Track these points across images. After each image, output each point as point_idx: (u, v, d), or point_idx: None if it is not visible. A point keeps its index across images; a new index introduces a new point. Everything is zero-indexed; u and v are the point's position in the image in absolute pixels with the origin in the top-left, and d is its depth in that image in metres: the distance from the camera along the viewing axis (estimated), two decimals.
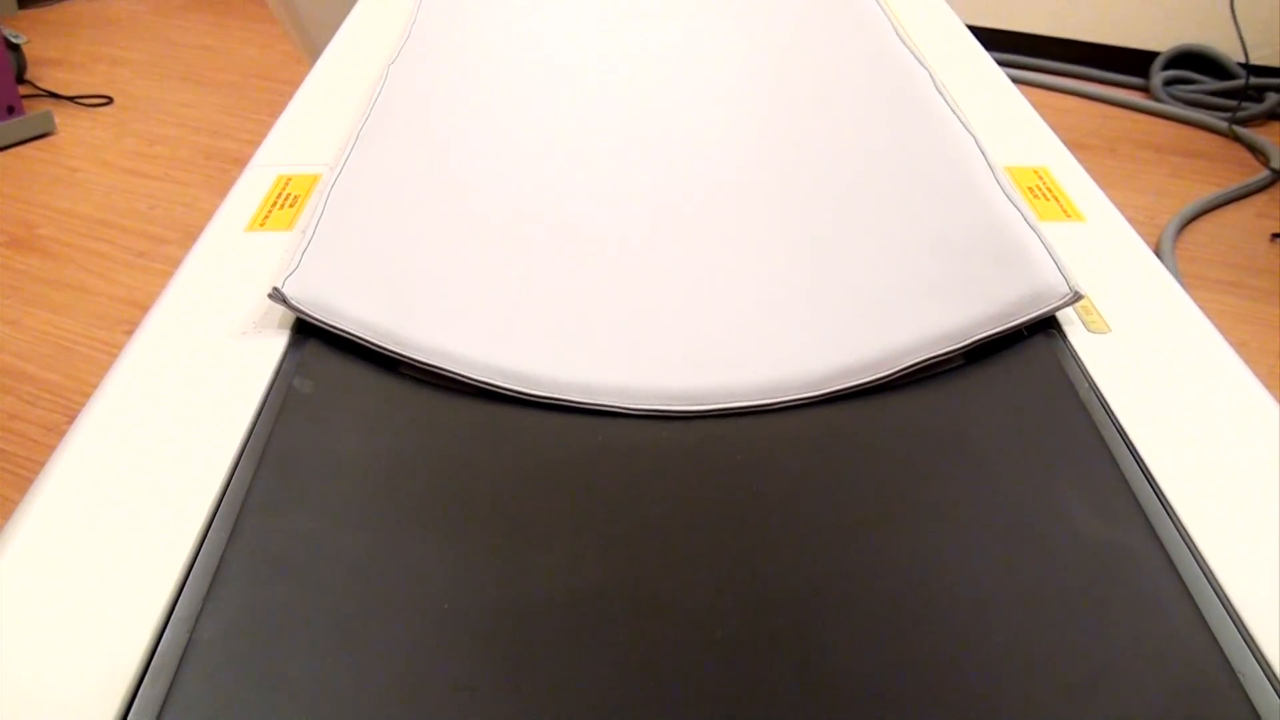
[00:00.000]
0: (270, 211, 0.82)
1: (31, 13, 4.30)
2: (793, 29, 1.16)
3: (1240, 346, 2.19)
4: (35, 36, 4.00)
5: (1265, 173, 2.91)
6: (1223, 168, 2.99)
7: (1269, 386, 2.07)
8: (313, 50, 2.12)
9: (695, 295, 0.76)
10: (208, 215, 2.72)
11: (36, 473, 1.88)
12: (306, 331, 0.68)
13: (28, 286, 2.41)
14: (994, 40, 3.76)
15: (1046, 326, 0.69)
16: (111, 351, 2.18)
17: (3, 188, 2.86)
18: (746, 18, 1.23)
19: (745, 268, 0.79)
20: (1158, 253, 2.52)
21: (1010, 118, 0.98)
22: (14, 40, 3.46)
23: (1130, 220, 2.67)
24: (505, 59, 1.10)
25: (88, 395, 2.05)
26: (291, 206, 0.83)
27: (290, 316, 0.70)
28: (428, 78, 1.01)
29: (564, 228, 0.83)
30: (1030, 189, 0.85)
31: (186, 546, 0.54)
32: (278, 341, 0.68)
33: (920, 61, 0.99)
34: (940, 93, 0.93)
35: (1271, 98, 3.29)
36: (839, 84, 1.01)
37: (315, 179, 0.87)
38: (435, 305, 0.71)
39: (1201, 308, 2.29)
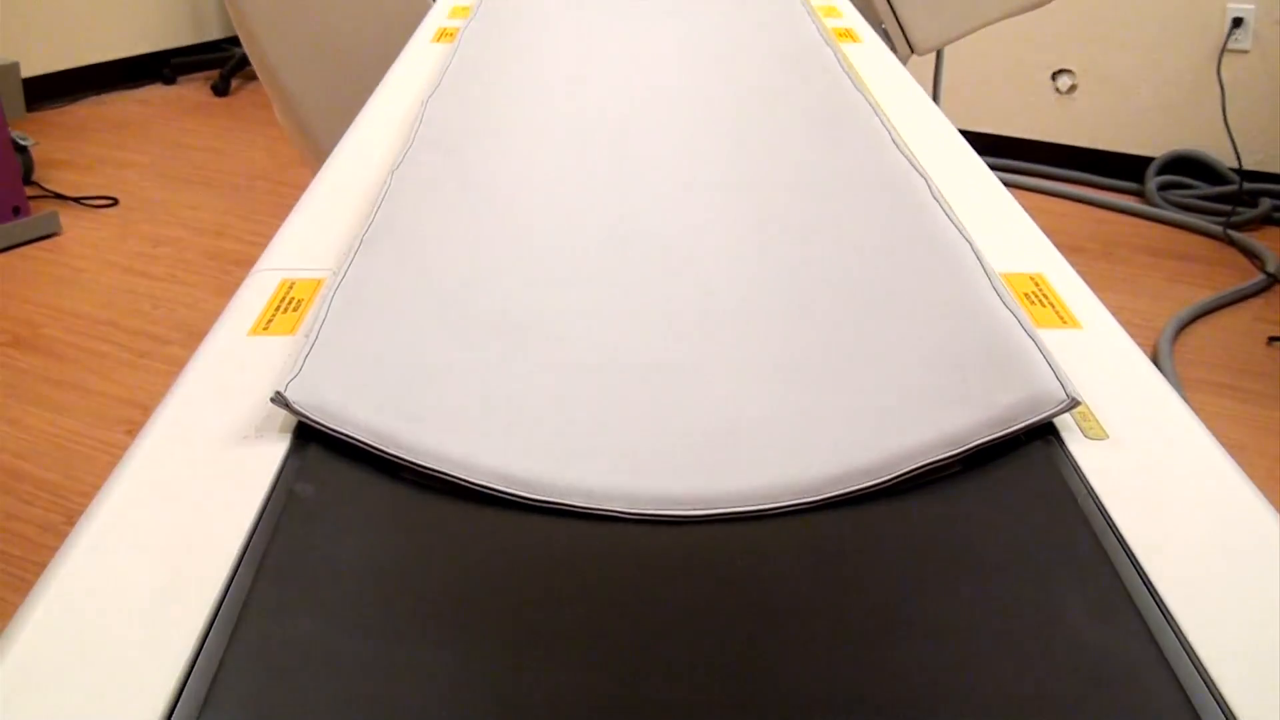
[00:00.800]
0: (274, 316, 0.83)
1: (41, 115, 4.36)
2: (790, 134, 1.18)
3: (1239, 450, 2.20)
4: (44, 138, 4.06)
5: (1261, 277, 2.93)
6: (1218, 272, 3.01)
7: (1269, 490, 2.07)
8: (317, 154, 2.15)
9: (696, 398, 0.76)
10: (210, 316, 2.74)
11: (33, 573, 1.87)
12: (308, 436, 0.69)
13: (29, 385, 2.42)
14: (990, 145, 3.81)
15: (1044, 433, 0.69)
16: (111, 451, 2.19)
17: (7, 287, 2.88)
18: (744, 119, 1.25)
19: (745, 371, 0.79)
20: (1156, 356, 2.54)
21: (1006, 225, 0.99)
22: (22, 142, 3.50)
23: (1127, 323, 2.69)
24: (505, 165, 1.12)
25: (86, 495, 2.05)
26: (295, 311, 0.84)
27: (292, 420, 0.70)
28: (431, 184, 1.02)
29: (564, 330, 0.84)
30: (1026, 295, 0.86)
31: (185, 652, 0.53)
32: (279, 446, 0.68)
33: (917, 168, 1.01)
34: (937, 199, 0.95)
35: (1265, 202, 3.32)
36: (836, 189, 1.02)
37: (318, 283, 0.88)
38: (437, 409, 0.72)
39: (1200, 411, 2.29)
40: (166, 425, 0.71)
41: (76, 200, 3.47)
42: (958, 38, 2.02)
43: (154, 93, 4.72)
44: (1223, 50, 3.41)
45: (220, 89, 4.66)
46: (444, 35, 1.60)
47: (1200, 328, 2.71)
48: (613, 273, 0.93)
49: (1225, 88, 3.43)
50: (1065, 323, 0.83)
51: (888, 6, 2.02)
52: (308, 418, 0.68)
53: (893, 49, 2.12)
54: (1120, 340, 0.81)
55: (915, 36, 2.03)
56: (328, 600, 0.57)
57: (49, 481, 2.10)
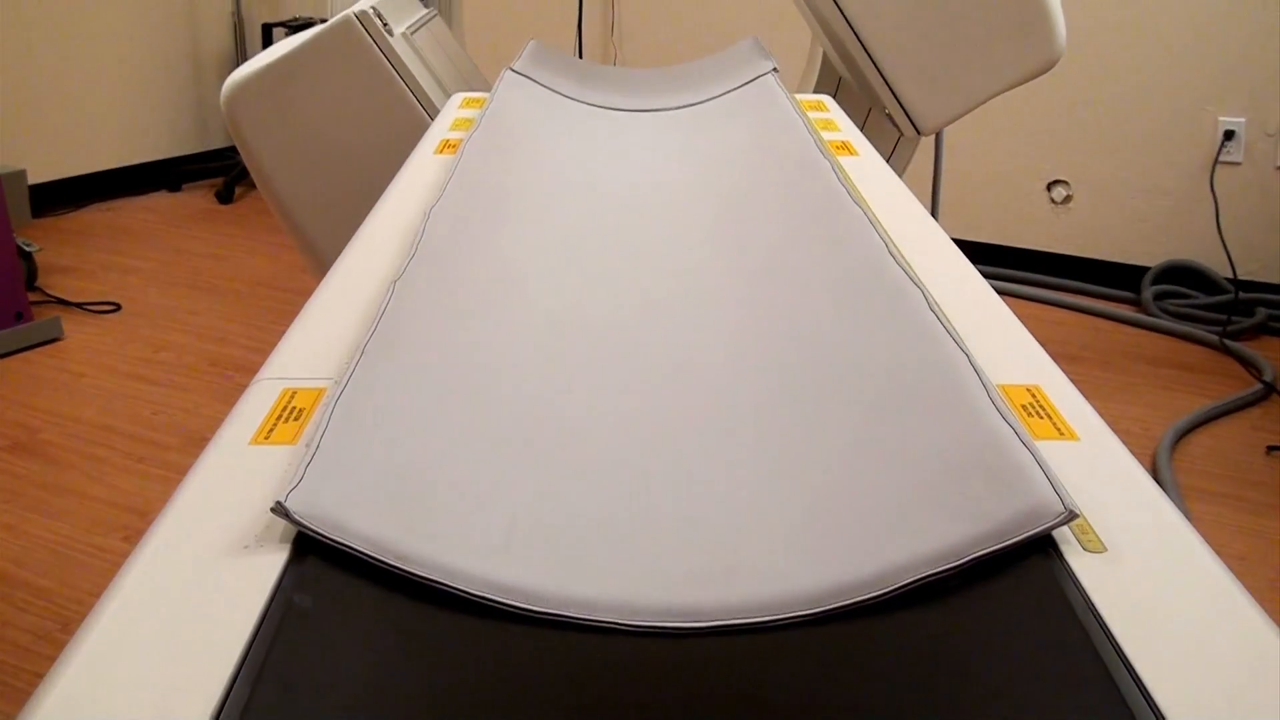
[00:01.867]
0: (275, 425, 0.83)
1: (46, 221, 4.40)
2: (788, 246, 1.19)
3: (1239, 561, 2.19)
4: (48, 244, 4.09)
5: (1258, 386, 2.94)
6: (1216, 381, 3.02)
7: (1270, 600, 2.06)
8: (319, 262, 2.17)
9: (695, 508, 0.76)
10: (210, 421, 2.74)
11: (26, 681, 1.85)
12: (308, 546, 0.69)
13: (27, 491, 2.41)
14: (987, 255, 3.85)
15: (1043, 545, 0.69)
16: (107, 558, 2.18)
17: (7, 392, 2.89)
18: (743, 230, 1.26)
19: (745, 479, 0.79)
20: (1155, 465, 2.54)
21: (1003, 336, 1.00)
22: (26, 248, 3.53)
23: (1125, 432, 2.69)
24: (507, 276, 1.13)
25: (81, 602, 2.04)
26: (296, 420, 0.84)
27: (292, 530, 0.70)
28: (431, 295, 1.03)
29: (564, 438, 0.84)
30: (1024, 407, 0.87)
31: None
32: (279, 556, 0.68)
33: (914, 280, 1.02)
34: (934, 311, 0.96)
35: (1261, 312, 3.34)
36: (835, 300, 1.03)
37: (320, 393, 0.88)
38: (437, 519, 0.72)
39: (1200, 521, 2.29)
40: (166, 534, 0.71)
41: (79, 306, 3.49)
42: (962, 114, 2.04)
43: (159, 200, 4.76)
44: (1215, 162, 3.46)
45: (224, 196, 4.71)
46: (446, 147, 1.63)
47: (1199, 437, 2.71)
48: (613, 380, 0.93)
49: (1218, 199, 3.47)
50: (1063, 435, 0.83)
51: (888, 91, 2.05)
52: (307, 528, 0.68)
53: (899, 133, 2.15)
54: (1118, 452, 0.81)
55: (920, 118, 2.05)
56: (326, 711, 0.57)
57: (44, 588, 2.08)
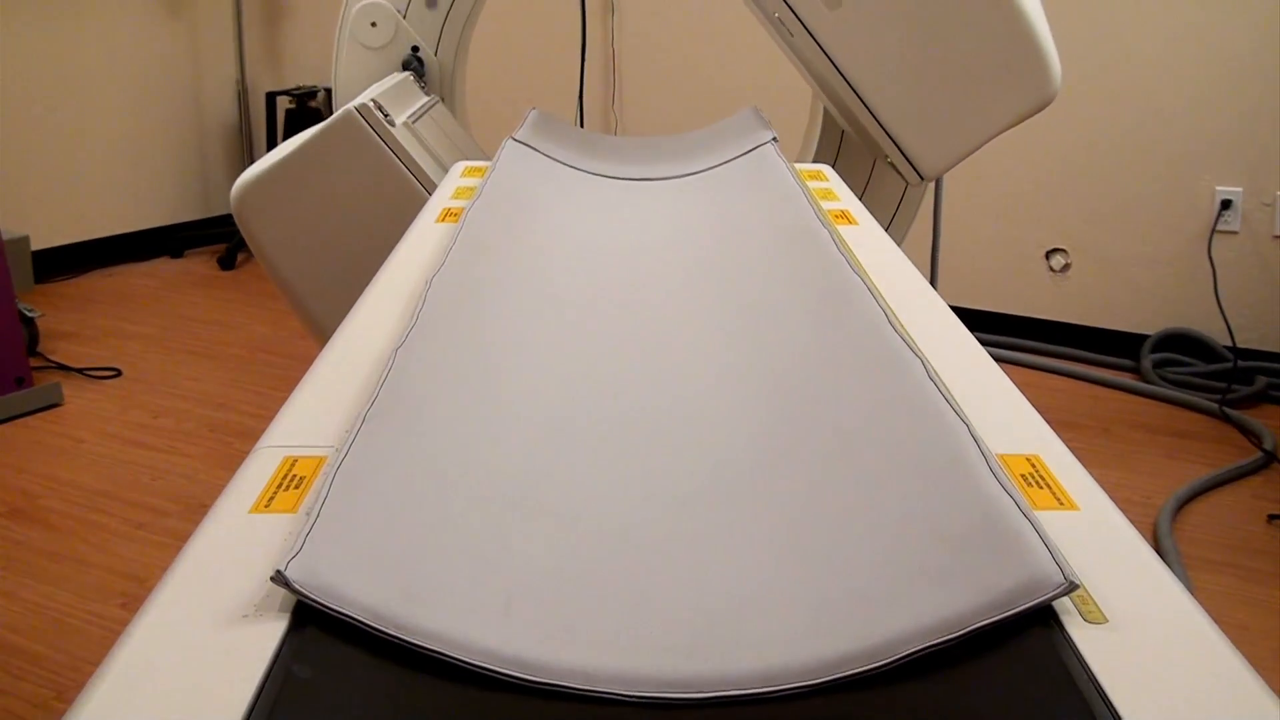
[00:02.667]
0: (275, 493, 0.84)
1: (48, 286, 4.42)
2: (788, 314, 1.20)
3: (1241, 630, 2.18)
4: (50, 310, 4.11)
5: (1259, 454, 2.94)
6: (1216, 449, 3.02)
7: (1272, 670, 2.04)
8: (319, 331, 2.18)
9: (695, 578, 0.76)
10: (209, 487, 2.74)
11: None
12: (307, 615, 0.69)
13: (25, 558, 2.40)
14: (986, 322, 3.86)
15: (1043, 616, 0.69)
16: (105, 625, 2.16)
17: (7, 458, 2.89)
18: (742, 299, 1.27)
19: (745, 549, 0.79)
20: (1156, 534, 2.53)
21: (1002, 406, 1.00)
22: (28, 314, 3.54)
23: (1126, 501, 2.69)
24: (509, 344, 1.13)
25: (78, 670, 2.03)
26: (297, 489, 0.84)
27: (291, 599, 0.70)
28: (434, 363, 1.03)
29: (565, 509, 0.84)
30: (1023, 477, 0.87)
31: None
32: (278, 625, 0.68)
33: (913, 349, 1.02)
34: (934, 380, 0.96)
35: (1261, 380, 3.35)
36: (834, 369, 1.04)
37: (321, 461, 0.88)
38: (436, 589, 0.72)
39: (1201, 590, 2.28)
40: (165, 602, 0.71)
41: (80, 371, 3.49)
42: (964, 156, 2.05)
43: (161, 266, 4.79)
44: (1213, 231, 3.48)
45: (226, 262, 4.73)
46: (448, 215, 1.64)
47: (1200, 505, 2.71)
48: (613, 450, 0.94)
49: (1216, 267, 3.49)
50: (1063, 505, 0.83)
51: (888, 140, 2.06)
52: (307, 597, 0.68)
53: (904, 182, 2.16)
54: (1118, 522, 0.81)
55: (922, 164, 2.07)
56: None
57: (41, 656, 2.07)
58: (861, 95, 2.04)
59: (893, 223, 2.41)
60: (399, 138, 2.05)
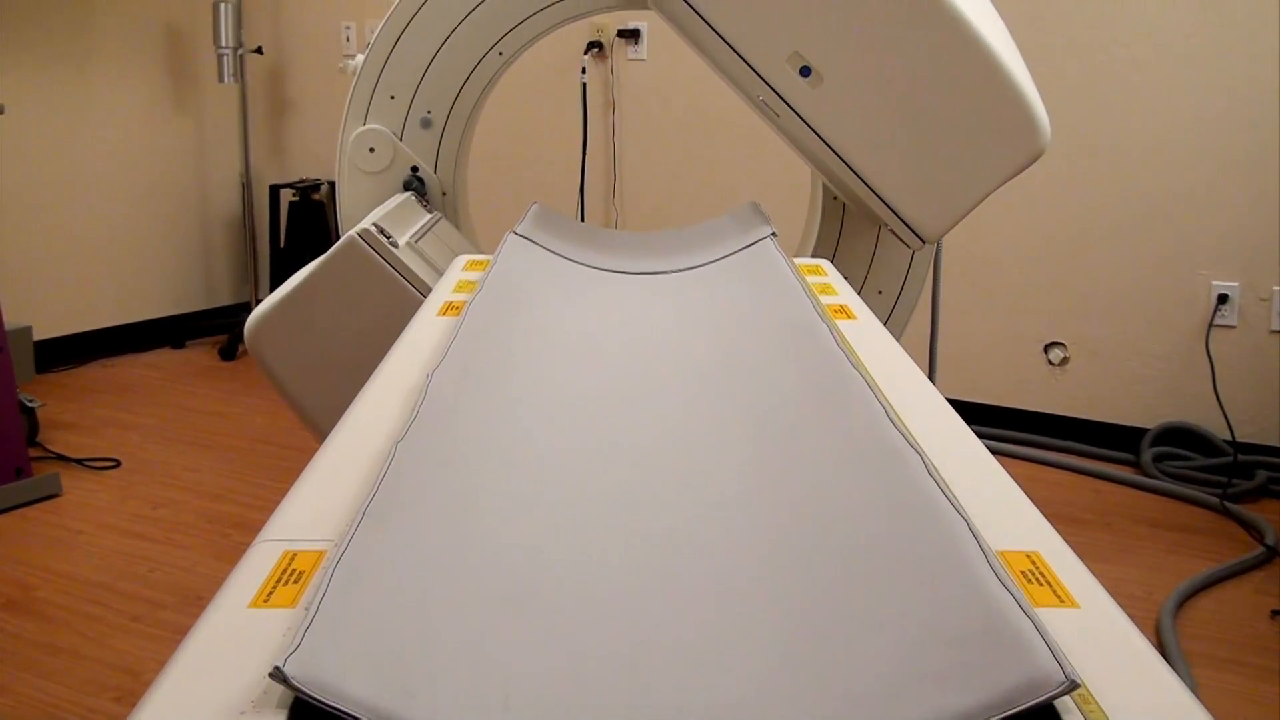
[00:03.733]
0: (274, 588, 0.83)
1: (49, 377, 4.43)
2: (787, 410, 1.20)
3: None
4: (50, 400, 4.11)
5: (1260, 549, 2.93)
6: (1218, 543, 3.01)
7: None
8: (317, 429, 2.18)
9: (693, 678, 0.76)
10: (207, 580, 2.73)
11: None
12: (305, 711, 0.68)
13: (20, 650, 2.39)
14: (985, 416, 3.86)
15: (1044, 715, 0.69)
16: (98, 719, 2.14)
17: (4, 549, 2.88)
18: (740, 394, 1.27)
19: (742, 650, 0.79)
20: (1158, 629, 2.51)
21: (1002, 502, 1.00)
22: (29, 404, 3.55)
23: (1128, 596, 2.67)
24: (509, 440, 1.14)
25: None
26: (296, 583, 0.84)
27: (289, 695, 0.70)
28: (434, 458, 1.04)
29: (564, 606, 0.84)
30: (1023, 573, 0.87)
31: None
32: None
33: (912, 444, 1.03)
34: (933, 476, 0.96)
35: (1261, 474, 3.34)
36: (833, 464, 1.04)
37: (321, 555, 0.88)
38: (436, 685, 0.71)
39: (1204, 687, 2.26)
40: (162, 697, 0.70)
41: (79, 462, 3.49)
42: (962, 216, 2.07)
43: (162, 356, 4.80)
44: (1210, 325, 3.49)
45: (227, 353, 4.75)
46: (449, 309, 1.65)
47: (1202, 601, 2.69)
48: (612, 547, 0.93)
49: (1214, 361, 3.50)
50: (1063, 602, 0.83)
51: (886, 208, 2.07)
52: (305, 693, 0.68)
53: (908, 247, 2.17)
54: (1119, 619, 0.81)
55: (922, 228, 2.08)
56: None
57: None
58: (853, 167, 2.06)
59: (902, 291, 2.42)
60: (403, 258, 2.08)
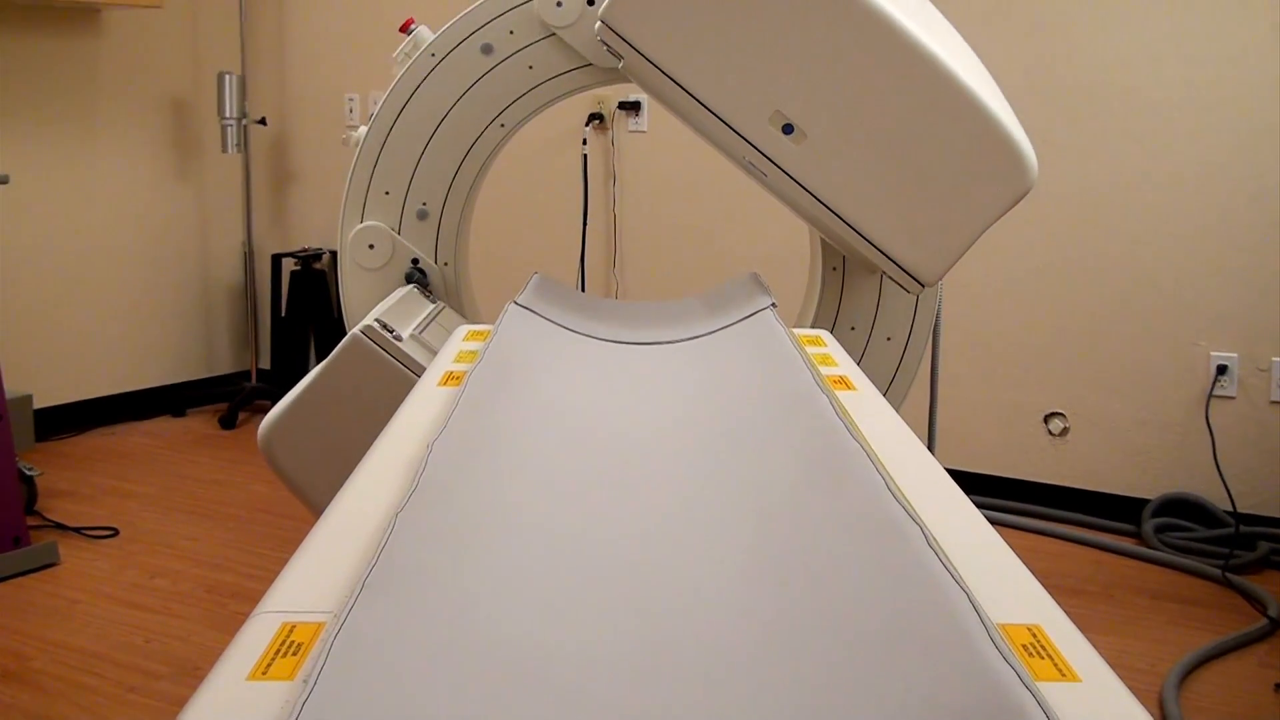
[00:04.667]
0: (273, 660, 0.83)
1: (49, 445, 4.43)
2: (787, 482, 1.20)
3: None
4: (49, 468, 4.10)
5: (1264, 622, 2.91)
6: (1220, 615, 2.99)
7: None
8: (313, 507, 2.18)
9: None
10: (203, 650, 2.71)
11: None
12: None
13: None
14: (985, 486, 3.85)
15: None
16: None
17: (0, 619, 2.86)
18: (741, 466, 1.27)
19: None
20: (1162, 702, 2.49)
21: (1003, 574, 1.00)
22: (28, 472, 3.55)
23: (1130, 668, 2.65)
24: (509, 512, 1.13)
25: None
26: (295, 655, 0.84)
27: None
28: (433, 530, 1.04)
29: (562, 679, 0.83)
30: (1025, 647, 0.86)
31: None
32: None
33: (913, 516, 1.03)
34: (933, 548, 0.96)
35: (1263, 545, 3.33)
36: (833, 538, 1.04)
37: (320, 627, 0.88)
38: None
39: None
40: None
41: (77, 530, 3.48)
42: (957, 258, 2.07)
43: (162, 425, 4.80)
44: (1209, 396, 3.50)
45: (228, 422, 4.75)
46: (450, 379, 1.65)
47: (1205, 674, 2.67)
48: (611, 619, 0.93)
49: (1214, 432, 3.50)
50: (1065, 676, 0.82)
51: (881, 256, 2.08)
52: None
53: (908, 292, 2.18)
54: (1121, 693, 0.80)
55: (920, 272, 2.08)
56: None
57: None
58: (845, 218, 2.07)
59: (911, 334, 2.42)
60: (407, 350, 2.10)
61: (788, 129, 2.04)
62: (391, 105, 2.41)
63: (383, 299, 2.38)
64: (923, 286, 2.12)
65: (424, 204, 2.43)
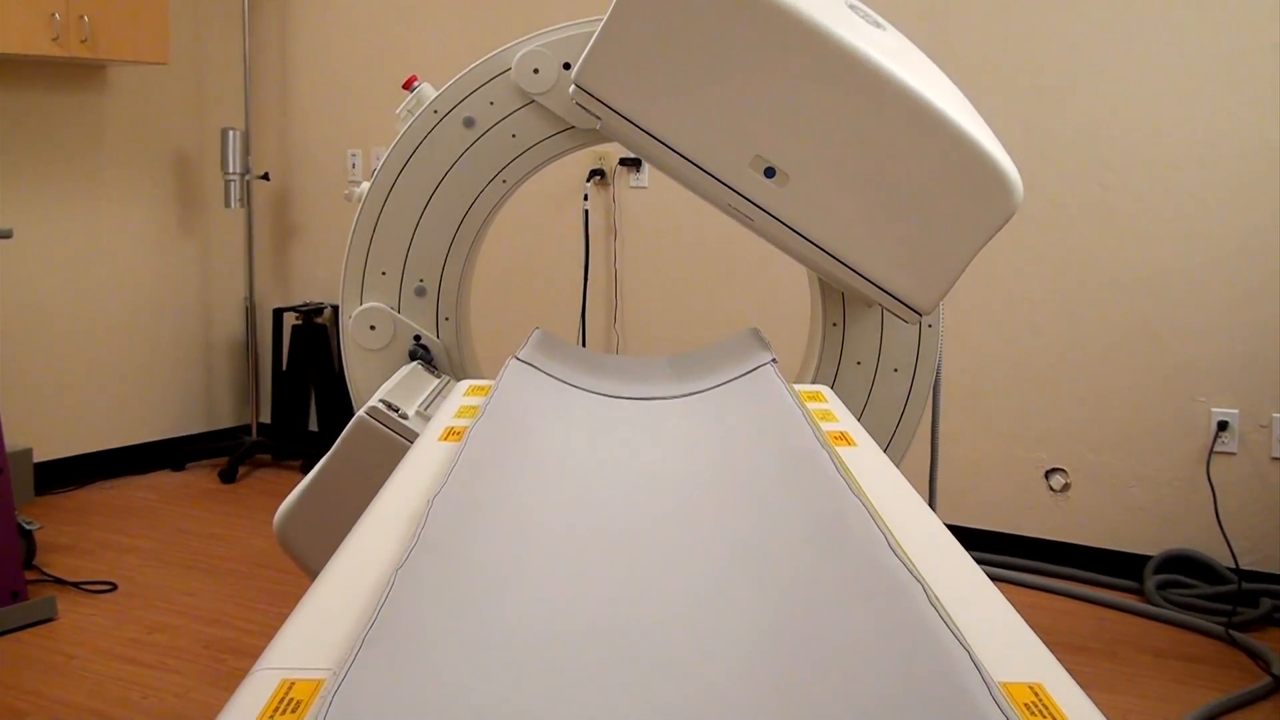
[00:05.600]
0: (271, 717, 0.83)
1: (48, 499, 4.42)
2: (787, 539, 1.20)
3: None
4: (49, 522, 4.10)
5: (1267, 680, 2.90)
6: (1224, 673, 2.98)
7: None
8: (308, 570, 2.18)
9: None
10: (201, 707, 2.69)
11: None
12: None
13: None
14: (986, 542, 3.84)
15: None
16: None
17: None
18: (742, 523, 1.27)
19: None
20: None
21: (1004, 632, 1.00)
22: (27, 527, 3.54)
23: None
24: (508, 569, 1.13)
25: None
26: (294, 712, 0.83)
27: None
28: (433, 586, 1.03)
29: None
30: (1026, 706, 0.86)
31: None
32: None
33: (914, 574, 1.02)
34: (934, 606, 0.96)
35: (1266, 603, 3.32)
36: (833, 596, 1.04)
37: (319, 684, 0.88)
38: None
39: None
40: None
41: (75, 585, 3.47)
42: (952, 284, 2.06)
43: (162, 479, 4.79)
44: (1210, 452, 3.49)
45: (227, 476, 4.74)
46: (451, 434, 1.65)
47: None
48: (611, 680, 0.93)
49: (1216, 488, 3.49)
50: None
51: (875, 288, 2.08)
52: None
53: (906, 322, 2.17)
54: None
55: (915, 301, 2.08)
56: None
57: None
58: (836, 255, 2.07)
59: (918, 363, 2.41)
60: (414, 428, 2.10)
61: (769, 172, 2.05)
62: (388, 171, 2.42)
63: (388, 377, 2.39)
64: (920, 316, 2.12)
65: (421, 281, 2.44)
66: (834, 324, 2.42)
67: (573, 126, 2.37)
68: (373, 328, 2.44)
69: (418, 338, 2.46)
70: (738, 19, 1.98)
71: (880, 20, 2.18)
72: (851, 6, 2.12)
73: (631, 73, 2.05)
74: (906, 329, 2.41)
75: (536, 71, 2.33)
